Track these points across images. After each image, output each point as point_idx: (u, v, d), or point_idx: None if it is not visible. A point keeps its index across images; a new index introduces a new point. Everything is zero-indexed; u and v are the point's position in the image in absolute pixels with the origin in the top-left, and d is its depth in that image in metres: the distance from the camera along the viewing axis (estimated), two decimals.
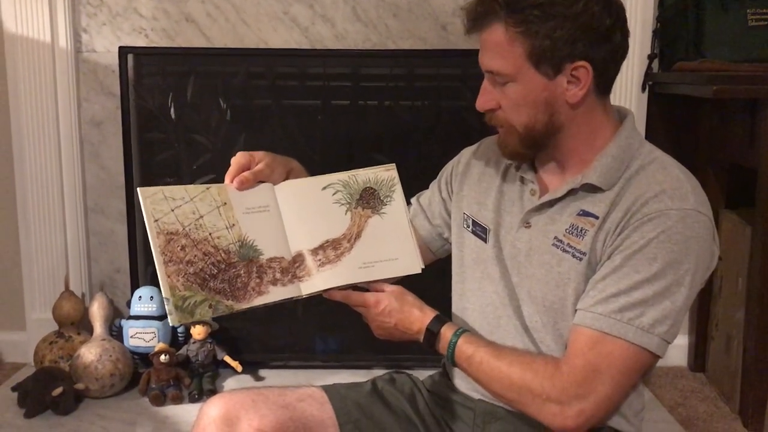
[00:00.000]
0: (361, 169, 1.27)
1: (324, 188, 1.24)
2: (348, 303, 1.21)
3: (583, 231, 1.13)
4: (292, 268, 1.19)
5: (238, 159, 1.20)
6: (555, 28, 1.07)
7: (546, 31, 1.07)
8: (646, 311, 1.06)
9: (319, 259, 1.20)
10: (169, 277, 1.08)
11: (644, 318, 1.06)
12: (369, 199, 1.26)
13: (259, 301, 1.14)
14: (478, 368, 1.14)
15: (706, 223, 1.09)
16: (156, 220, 1.09)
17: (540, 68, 1.09)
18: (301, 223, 1.20)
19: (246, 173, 1.18)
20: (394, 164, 1.30)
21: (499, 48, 1.10)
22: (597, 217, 1.12)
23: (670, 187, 1.09)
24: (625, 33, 1.13)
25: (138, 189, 1.10)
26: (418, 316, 1.19)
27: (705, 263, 1.10)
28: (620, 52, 1.14)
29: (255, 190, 1.20)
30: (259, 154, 1.21)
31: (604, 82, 1.14)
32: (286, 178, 1.24)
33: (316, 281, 1.19)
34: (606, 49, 1.10)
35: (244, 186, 1.18)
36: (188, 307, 1.08)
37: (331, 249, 1.21)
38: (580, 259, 1.12)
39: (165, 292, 1.07)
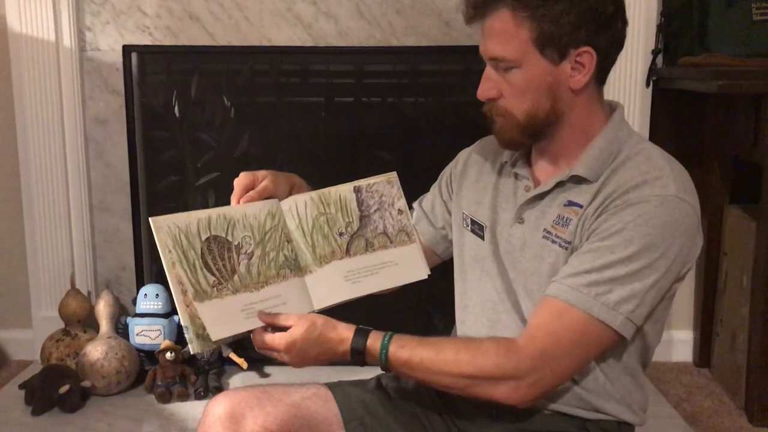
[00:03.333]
0: (363, 182, 1.28)
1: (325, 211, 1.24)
2: (260, 349, 1.15)
3: (568, 220, 1.13)
4: (303, 285, 1.19)
5: (241, 180, 1.19)
6: (562, 12, 1.07)
7: (553, 15, 1.07)
8: (614, 289, 1.06)
9: (324, 273, 1.20)
10: (188, 306, 1.07)
11: (611, 295, 1.06)
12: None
13: None
14: (420, 367, 1.10)
15: (688, 210, 1.09)
16: (170, 251, 1.07)
17: (545, 53, 1.10)
18: (305, 241, 1.21)
19: (251, 193, 1.18)
20: (395, 173, 1.32)
21: (504, 33, 1.10)
22: (581, 206, 1.13)
23: (652, 177, 1.09)
24: (624, 22, 1.14)
25: (150, 219, 1.07)
26: (336, 339, 1.13)
27: (685, 250, 1.10)
28: (620, 40, 1.14)
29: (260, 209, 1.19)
30: (261, 173, 1.21)
31: (602, 71, 1.15)
32: (290, 194, 1.24)
33: (324, 295, 1.20)
34: (608, 37, 1.11)
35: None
36: (208, 334, 1.07)
37: (336, 261, 1.22)
38: (566, 248, 1.13)
39: (184, 321, 1.06)
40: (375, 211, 1.28)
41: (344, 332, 1.13)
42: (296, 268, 1.19)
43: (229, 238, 1.12)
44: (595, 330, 1.07)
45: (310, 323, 1.12)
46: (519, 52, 1.10)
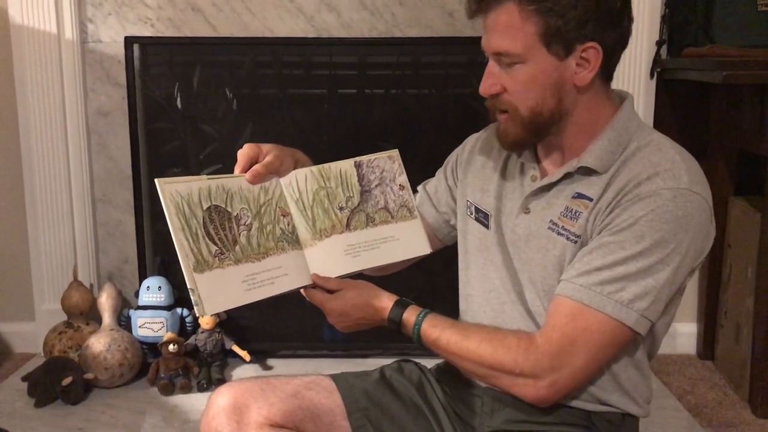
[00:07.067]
0: (365, 157, 1.28)
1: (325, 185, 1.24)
2: (310, 300, 1.22)
3: (577, 213, 1.12)
4: (303, 257, 1.19)
5: (246, 150, 1.19)
6: (569, 7, 1.06)
7: (560, 9, 1.06)
8: (627, 286, 1.06)
9: (324, 247, 1.20)
10: (194, 269, 1.07)
11: (624, 293, 1.06)
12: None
13: (271, 291, 1.14)
14: (446, 349, 1.15)
15: (701, 203, 1.08)
16: (174, 216, 1.07)
17: (551, 48, 1.08)
18: (304, 215, 1.21)
19: (257, 166, 1.17)
20: (396, 150, 1.32)
21: (510, 28, 1.08)
22: (591, 200, 1.12)
23: (663, 169, 1.08)
24: (631, 18, 1.13)
25: (156, 181, 1.07)
26: (378, 307, 1.19)
27: (698, 244, 1.09)
28: (626, 37, 1.13)
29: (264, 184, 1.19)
30: (267, 146, 1.21)
31: (608, 68, 1.13)
32: (294, 169, 1.24)
33: (323, 268, 1.20)
34: (615, 33, 1.10)
35: (256, 180, 1.17)
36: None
37: (336, 235, 1.22)
38: (575, 242, 1.12)
39: (190, 283, 1.06)
40: (376, 186, 1.28)
41: (385, 301, 1.20)
42: (294, 241, 1.19)
43: (229, 209, 1.13)
44: (610, 329, 1.07)
45: (356, 288, 1.20)
46: (525, 47, 1.08)
